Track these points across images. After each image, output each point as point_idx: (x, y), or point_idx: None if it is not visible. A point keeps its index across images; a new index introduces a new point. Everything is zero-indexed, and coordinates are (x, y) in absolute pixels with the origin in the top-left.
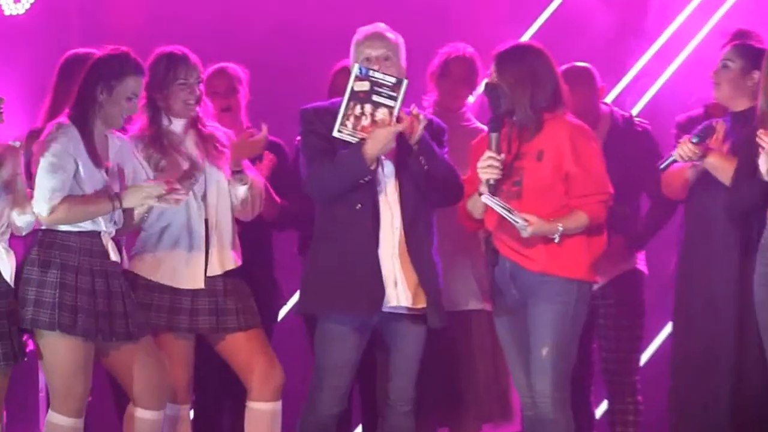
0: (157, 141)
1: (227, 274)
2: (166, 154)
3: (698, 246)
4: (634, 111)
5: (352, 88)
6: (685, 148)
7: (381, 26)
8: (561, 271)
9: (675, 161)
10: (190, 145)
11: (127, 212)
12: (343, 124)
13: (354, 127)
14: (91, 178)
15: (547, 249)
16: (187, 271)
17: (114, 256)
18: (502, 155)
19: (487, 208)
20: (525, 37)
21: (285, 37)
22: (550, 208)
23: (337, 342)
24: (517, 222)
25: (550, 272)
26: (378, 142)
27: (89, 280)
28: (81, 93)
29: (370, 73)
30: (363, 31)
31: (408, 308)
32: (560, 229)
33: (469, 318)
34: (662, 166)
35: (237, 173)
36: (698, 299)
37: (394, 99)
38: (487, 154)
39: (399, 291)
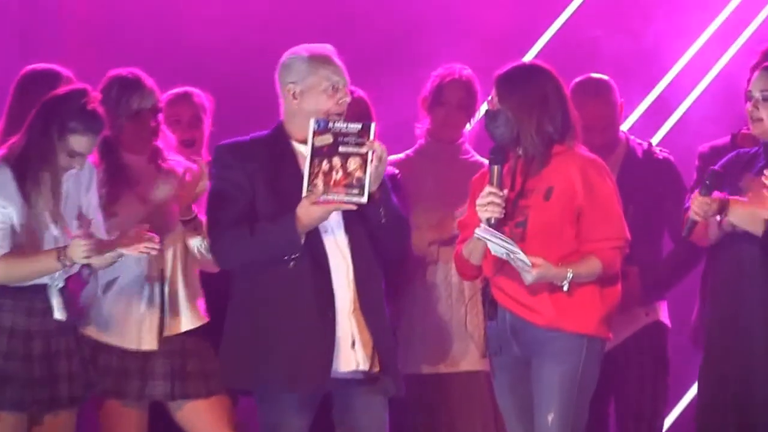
0: (109, 178)
1: (188, 333)
2: (119, 193)
3: (733, 293)
4: (653, 140)
5: (313, 144)
6: (696, 204)
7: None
8: (570, 325)
9: (696, 222)
10: (149, 184)
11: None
12: (312, 184)
13: (326, 185)
14: (32, 230)
15: (555, 300)
16: (138, 329)
17: (59, 313)
18: (505, 191)
19: (487, 252)
20: (528, 57)
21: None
22: (558, 254)
23: (281, 426)
24: (520, 264)
25: (557, 327)
26: (316, 220)
27: (22, 344)
28: (30, 127)
29: (331, 125)
30: (318, 50)
31: (364, 373)
32: (570, 275)
33: (467, 380)
34: (685, 233)
35: (189, 222)
36: (732, 354)
37: (363, 144)
38: (488, 189)
39: (357, 353)
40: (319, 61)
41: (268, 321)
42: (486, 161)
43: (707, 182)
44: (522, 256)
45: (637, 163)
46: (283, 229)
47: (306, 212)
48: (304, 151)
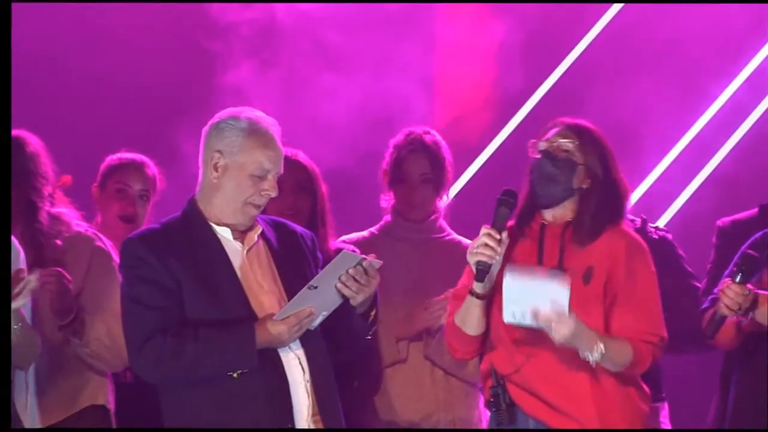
0: None
1: None
2: None
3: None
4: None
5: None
6: (730, 294)
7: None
8: None
9: (724, 318)
10: None
11: None
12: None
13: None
14: None
15: (598, 403)
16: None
17: None
18: (504, 235)
19: (502, 343)
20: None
21: None
22: None
23: None
24: (550, 315)
25: None
26: (283, 343)
27: None
28: None
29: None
30: (260, 125)
31: None
32: (602, 348)
33: None
34: (709, 334)
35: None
36: None
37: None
38: (485, 230)
39: None
40: (256, 140)
41: None
42: (465, 240)
43: (742, 268)
44: (564, 298)
45: None
46: (239, 340)
47: (277, 335)
48: (227, 235)
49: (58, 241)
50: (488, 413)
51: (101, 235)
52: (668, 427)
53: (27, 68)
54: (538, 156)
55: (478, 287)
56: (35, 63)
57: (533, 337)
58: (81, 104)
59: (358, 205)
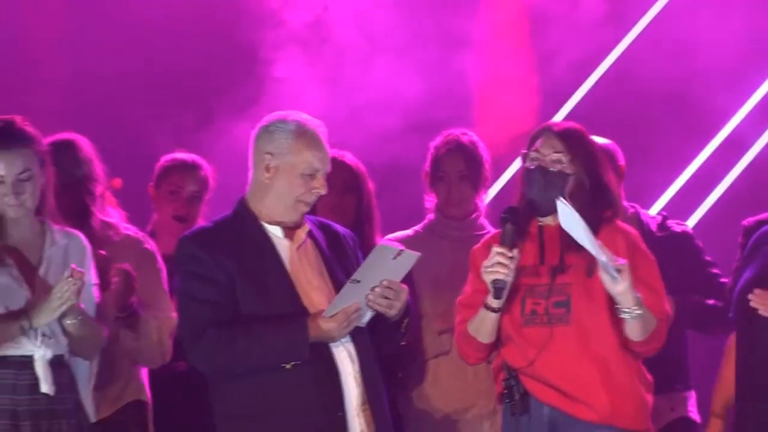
0: None
1: None
2: None
3: None
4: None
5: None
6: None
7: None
8: (625, 420)
9: None
10: None
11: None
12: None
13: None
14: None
15: (611, 390)
16: None
17: (47, 386)
18: (515, 251)
19: (510, 339)
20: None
21: None
22: (604, 344)
23: None
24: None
25: (611, 422)
26: (333, 339)
27: (11, 425)
28: None
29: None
30: (307, 127)
31: None
32: (642, 309)
33: None
34: None
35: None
36: None
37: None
38: (495, 249)
39: None
40: (305, 141)
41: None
42: None
43: None
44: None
45: (650, 241)
46: (294, 336)
47: (328, 330)
48: (277, 233)
49: (110, 244)
50: None
51: (148, 238)
52: (696, 416)
53: (69, 62)
54: (532, 168)
55: (494, 303)
56: (78, 57)
57: (543, 333)
58: (126, 98)
59: (404, 199)
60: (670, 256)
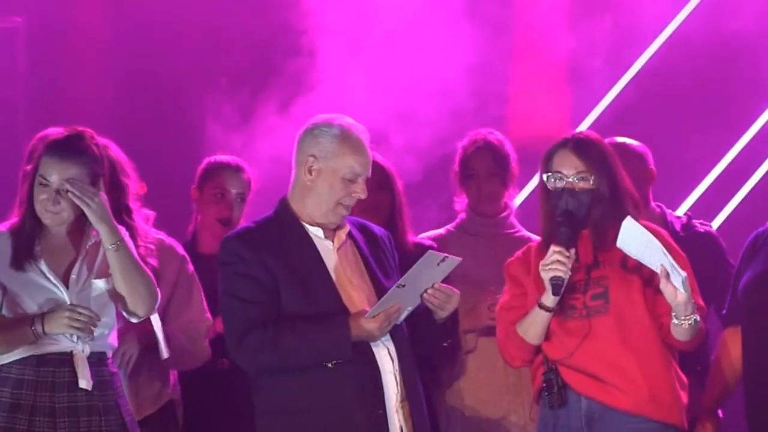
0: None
1: None
2: None
3: None
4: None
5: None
6: None
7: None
8: (659, 412)
9: None
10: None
11: None
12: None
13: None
14: (18, 295)
15: (649, 379)
16: None
17: (84, 382)
18: (572, 251)
19: (555, 332)
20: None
21: None
22: (643, 335)
23: None
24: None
25: (645, 413)
26: (373, 338)
27: (48, 422)
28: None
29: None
30: (352, 132)
31: None
32: (697, 318)
33: None
34: None
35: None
36: None
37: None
38: (553, 248)
39: None
40: (349, 146)
41: (315, 427)
42: (534, 236)
43: None
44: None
45: (677, 239)
46: (335, 335)
47: (369, 330)
48: (318, 234)
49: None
50: None
51: (177, 243)
52: (719, 412)
53: (114, 63)
54: (560, 190)
55: (549, 301)
56: (132, 54)
57: (582, 325)
58: (167, 98)
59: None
60: (694, 257)
